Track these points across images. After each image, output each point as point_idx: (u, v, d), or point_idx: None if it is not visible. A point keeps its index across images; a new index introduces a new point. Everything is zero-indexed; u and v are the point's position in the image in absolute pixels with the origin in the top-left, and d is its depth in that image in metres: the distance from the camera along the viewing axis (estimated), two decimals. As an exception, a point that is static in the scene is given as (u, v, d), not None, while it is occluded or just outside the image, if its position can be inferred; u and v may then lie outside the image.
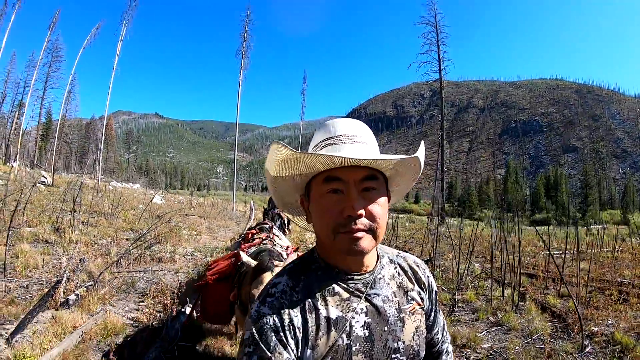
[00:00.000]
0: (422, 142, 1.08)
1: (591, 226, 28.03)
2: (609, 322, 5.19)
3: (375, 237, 0.94)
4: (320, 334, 0.94)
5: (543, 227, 21.88)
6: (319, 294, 0.99)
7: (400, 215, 24.95)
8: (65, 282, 5.29)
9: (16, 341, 3.89)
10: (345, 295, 1.00)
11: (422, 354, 1.09)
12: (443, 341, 1.26)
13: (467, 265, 7.65)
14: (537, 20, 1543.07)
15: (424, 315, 1.13)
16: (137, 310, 5.45)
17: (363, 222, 0.91)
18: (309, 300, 0.97)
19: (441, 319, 1.24)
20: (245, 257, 3.06)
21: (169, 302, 5.43)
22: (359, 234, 0.91)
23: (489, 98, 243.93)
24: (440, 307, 1.25)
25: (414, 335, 1.06)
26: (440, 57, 26.56)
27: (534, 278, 7.76)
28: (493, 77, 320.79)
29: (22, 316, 4.26)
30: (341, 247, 0.93)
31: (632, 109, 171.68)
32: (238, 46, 32.64)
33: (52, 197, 13.66)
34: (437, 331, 1.22)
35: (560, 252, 9.65)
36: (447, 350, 1.27)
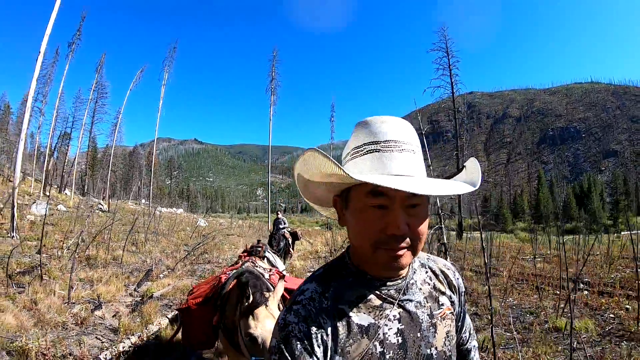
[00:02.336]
0: (475, 160, 1.01)
1: (622, 233, 27.37)
2: (509, 300, 7.42)
3: (414, 252, 0.92)
4: (351, 341, 0.92)
5: (570, 237, 22.22)
6: (350, 300, 0.96)
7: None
8: (154, 269, 8.75)
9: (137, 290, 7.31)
10: (378, 302, 0.97)
11: (454, 359, 1.08)
12: (470, 340, 1.25)
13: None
14: (569, 24, 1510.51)
15: (454, 319, 1.11)
16: (197, 279, 8.85)
17: (405, 240, 0.88)
18: (340, 306, 0.95)
19: (468, 319, 1.23)
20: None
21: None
22: (400, 252, 0.88)
23: (525, 107, 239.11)
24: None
25: (445, 340, 1.05)
26: (453, 80, 27.67)
27: (496, 276, 9.66)
28: (528, 85, 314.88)
29: (139, 281, 7.76)
30: (380, 262, 0.91)
31: None
32: (267, 84, 34.61)
33: (105, 220, 15.39)
34: (465, 330, 1.22)
35: (537, 256, 11.29)
36: (474, 346, 1.27)
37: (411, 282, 1.03)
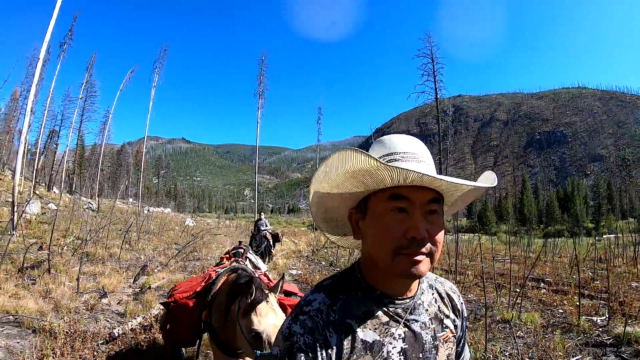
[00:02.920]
0: (492, 172, 1.03)
1: (604, 236, 28.50)
2: (469, 296, 8.37)
3: (432, 261, 0.91)
4: (355, 356, 0.91)
5: (552, 239, 23.38)
6: (357, 315, 0.95)
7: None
8: (149, 265, 9.67)
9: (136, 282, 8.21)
10: (385, 319, 0.96)
11: None
12: None
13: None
14: (557, 29, 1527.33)
15: (455, 343, 1.11)
16: (188, 274, 9.50)
17: (425, 245, 0.88)
18: (347, 320, 0.93)
19: (467, 346, 1.24)
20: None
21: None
22: (419, 257, 0.87)
23: (512, 111, 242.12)
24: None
25: None
26: (437, 86, 28.63)
27: (463, 275, 10.53)
28: (515, 89, 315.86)
29: (136, 275, 8.66)
30: (399, 269, 0.89)
31: None
32: (255, 88, 35.47)
33: (103, 221, 15.82)
34: (464, 356, 1.21)
35: (510, 257, 11.65)
36: None
37: (418, 302, 1.03)
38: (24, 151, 14.51)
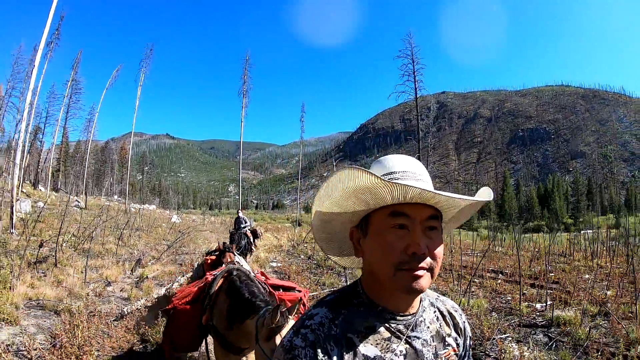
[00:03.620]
0: (489, 189, 1.03)
1: (582, 231, 29.68)
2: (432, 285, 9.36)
3: (432, 275, 0.92)
4: None
5: (529, 235, 24.53)
6: (359, 330, 0.95)
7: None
8: (143, 259, 10.54)
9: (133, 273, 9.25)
10: (387, 334, 0.96)
11: None
12: None
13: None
14: (542, 26, 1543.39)
15: None
16: (179, 266, 10.78)
17: (426, 260, 0.89)
18: (348, 335, 0.93)
19: None
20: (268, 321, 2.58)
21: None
22: (420, 272, 0.88)
23: (496, 108, 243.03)
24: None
25: None
26: (417, 86, 29.52)
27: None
28: (499, 86, 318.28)
29: (132, 267, 9.71)
30: (401, 284, 0.90)
31: (639, 111, 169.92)
32: (239, 87, 36.19)
33: (91, 218, 16.76)
34: None
35: (480, 252, 12.55)
36: None
37: (420, 319, 1.03)
38: (22, 151, 15.08)
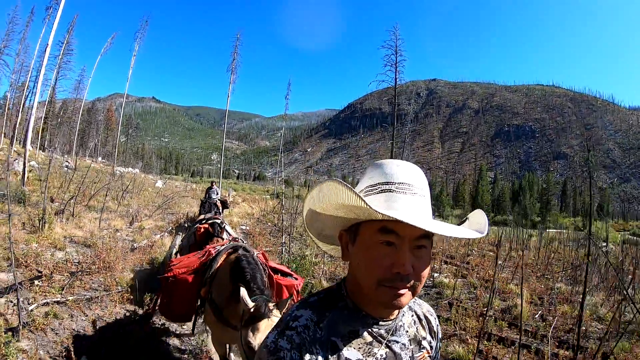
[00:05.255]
0: (481, 212, 1.03)
1: (547, 230, 31.53)
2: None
3: (414, 294, 0.93)
4: None
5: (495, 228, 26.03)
6: (342, 333, 0.97)
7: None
8: (138, 215, 12.87)
9: (132, 225, 11.59)
10: (369, 339, 0.99)
11: None
12: None
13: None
14: (538, 26, 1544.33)
15: None
16: (167, 221, 13.32)
17: (409, 280, 0.90)
18: (332, 338, 0.95)
19: None
20: (246, 298, 2.68)
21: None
22: (402, 291, 0.89)
23: (484, 100, 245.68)
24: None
25: None
26: (397, 77, 30.67)
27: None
28: (490, 79, 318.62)
29: (131, 221, 12.03)
30: (381, 299, 0.92)
31: (625, 120, 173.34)
32: (228, 63, 36.80)
33: (88, 180, 18.70)
34: None
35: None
36: None
37: (400, 324, 1.06)
38: (35, 116, 16.95)
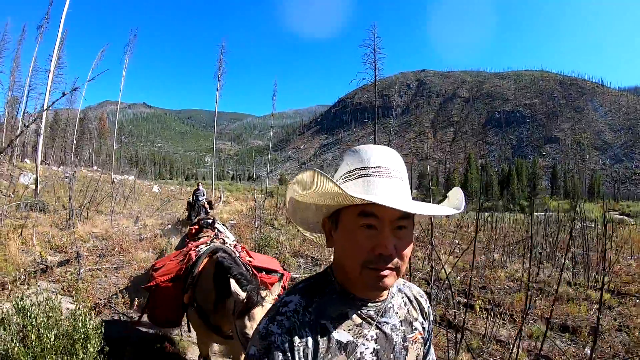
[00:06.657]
0: (459, 189, 1.06)
1: (535, 213, 32.82)
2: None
3: (398, 274, 0.94)
4: (330, 356, 0.94)
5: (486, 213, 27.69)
6: (331, 316, 0.98)
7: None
8: (140, 216, 15.30)
9: (136, 224, 13.86)
10: (358, 320, 1.00)
11: None
12: None
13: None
14: (525, 12, 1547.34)
15: (423, 344, 1.16)
16: (165, 220, 15.04)
17: (393, 261, 0.91)
18: (322, 321, 0.96)
19: (432, 348, 1.27)
20: (237, 289, 2.68)
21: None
22: (385, 272, 0.91)
23: (474, 89, 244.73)
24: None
25: None
26: (376, 74, 32.06)
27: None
28: (479, 67, 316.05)
29: (135, 220, 14.34)
30: (366, 282, 0.93)
31: (615, 102, 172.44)
32: (215, 71, 38.24)
33: (83, 188, 20.33)
34: (430, 357, 1.25)
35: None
36: None
37: (389, 305, 1.07)
38: (44, 130, 19.10)
